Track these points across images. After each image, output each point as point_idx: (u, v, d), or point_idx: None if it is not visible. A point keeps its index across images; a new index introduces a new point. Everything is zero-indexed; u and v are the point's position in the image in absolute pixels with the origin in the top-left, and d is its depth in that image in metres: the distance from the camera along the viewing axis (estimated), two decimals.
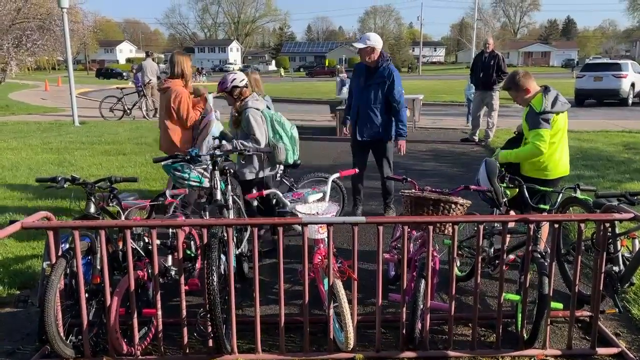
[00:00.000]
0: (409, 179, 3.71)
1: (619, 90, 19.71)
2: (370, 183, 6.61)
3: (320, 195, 3.59)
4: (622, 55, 74.73)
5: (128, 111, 15.55)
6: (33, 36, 18.10)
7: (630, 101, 20.24)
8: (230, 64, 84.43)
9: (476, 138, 11.25)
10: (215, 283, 3.00)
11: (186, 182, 3.63)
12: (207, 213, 3.44)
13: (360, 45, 5.40)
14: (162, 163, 3.71)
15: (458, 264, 4.28)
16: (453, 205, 3.20)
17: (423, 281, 3.15)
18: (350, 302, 3.18)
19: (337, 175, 3.60)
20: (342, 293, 3.14)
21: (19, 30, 17.93)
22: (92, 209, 3.42)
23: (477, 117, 11.22)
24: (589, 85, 20.38)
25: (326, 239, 3.38)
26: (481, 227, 3.09)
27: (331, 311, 3.23)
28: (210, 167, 3.60)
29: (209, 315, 3.07)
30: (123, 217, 3.40)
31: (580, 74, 21.79)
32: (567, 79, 35.67)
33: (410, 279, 3.44)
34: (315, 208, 3.44)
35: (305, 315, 3.22)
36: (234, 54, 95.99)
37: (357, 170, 3.70)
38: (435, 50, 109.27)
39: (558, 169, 4.16)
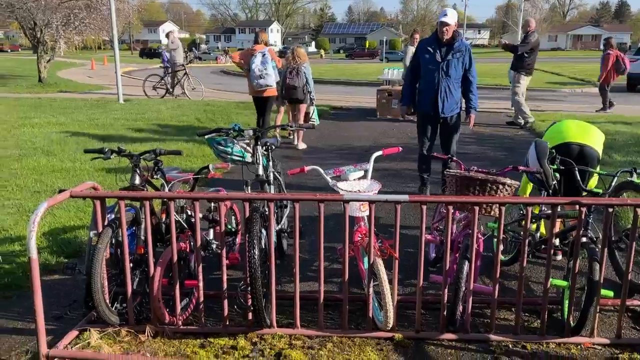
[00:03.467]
0: (454, 158, 3.61)
1: None
2: (408, 164, 6.52)
3: (361, 173, 3.54)
4: None
5: (171, 89, 15.77)
6: (80, 15, 18.50)
7: None
8: (271, 45, 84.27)
9: (521, 121, 10.91)
10: (256, 257, 3.01)
11: (229, 156, 3.64)
12: (248, 188, 3.45)
13: (449, 21, 5.49)
14: (206, 136, 3.74)
15: (501, 247, 4.16)
16: (500, 186, 3.10)
17: (467, 263, 3.08)
18: (390, 281, 3.14)
19: (379, 153, 3.54)
20: (383, 272, 3.10)
21: (67, 9, 18.34)
22: (137, 181, 3.47)
23: (515, 100, 10.92)
24: None
25: (366, 217, 3.34)
26: (529, 209, 2.98)
27: (371, 290, 3.20)
28: (253, 142, 3.61)
29: (249, 289, 3.09)
30: (167, 190, 3.44)
31: (633, 58, 20.78)
32: None
33: (453, 260, 3.37)
34: (357, 185, 3.39)
35: (345, 293, 3.20)
36: (274, 35, 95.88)
37: (400, 149, 3.61)
38: (479, 33, 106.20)
39: None
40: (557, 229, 4.15)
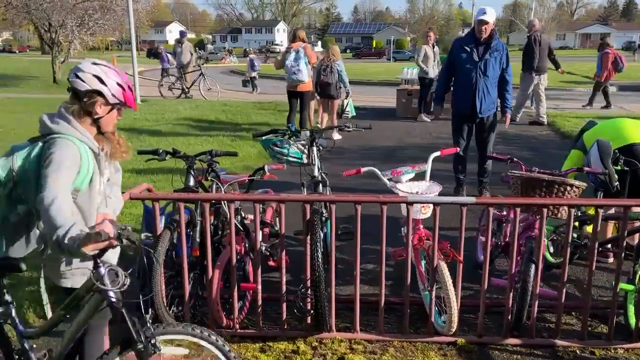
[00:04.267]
0: (514, 159, 3.55)
1: None
2: (437, 165, 6.45)
3: (411, 175, 3.49)
4: None
5: (187, 90, 15.74)
6: (95, 15, 18.51)
7: None
8: (277, 44, 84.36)
9: (544, 119, 10.86)
10: (320, 260, 2.97)
11: (285, 157, 3.60)
12: (304, 189, 3.40)
13: (488, 19, 5.39)
14: (263, 138, 3.69)
15: (551, 250, 4.10)
16: (568, 188, 3.04)
17: (533, 266, 3.02)
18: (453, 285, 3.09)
19: (437, 153, 3.48)
20: (447, 276, 3.05)
21: (82, 9, 18.35)
22: (192, 182, 3.43)
23: (533, 99, 11.13)
24: None
25: (420, 219, 3.29)
26: (600, 211, 2.92)
27: (432, 294, 3.15)
28: (308, 143, 3.56)
29: (310, 292, 3.05)
30: (223, 191, 3.39)
31: None
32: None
33: (514, 263, 3.31)
34: (416, 187, 3.34)
35: (406, 297, 3.15)
36: (281, 34, 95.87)
37: (458, 149, 3.56)
38: None
39: None
40: (610, 232, 4.09)
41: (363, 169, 3.38)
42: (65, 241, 1.82)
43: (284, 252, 3.15)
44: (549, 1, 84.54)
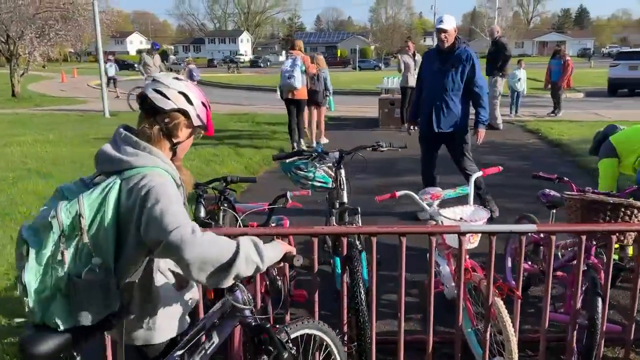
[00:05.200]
0: (564, 179, 3.24)
1: None
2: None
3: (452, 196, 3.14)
4: (638, 44, 73.28)
5: None
6: (56, 26, 17.66)
7: None
8: (241, 54, 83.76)
9: (500, 124, 11.35)
10: (364, 300, 2.57)
11: (310, 182, 3.17)
12: (333, 218, 2.99)
13: (446, 27, 4.89)
14: (287, 161, 3.26)
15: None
16: (635, 211, 2.73)
17: (600, 300, 2.69)
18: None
19: (479, 173, 3.14)
20: (505, 314, 2.68)
21: (42, 20, 17.48)
22: (202, 213, 2.99)
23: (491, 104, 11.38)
24: (623, 74, 19.71)
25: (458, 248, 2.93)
26: None
27: (487, 335, 2.78)
28: (335, 165, 3.15)
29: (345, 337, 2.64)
30: (240, 223, 2.94)
31: (614, 63, 21.17)
32: (585, 69, 34.96)
33: (569, 295, 2.98)
34: (460, 212, 2.98)
35: (458, 339, 2.78)
36: (245, 45, 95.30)
37: (500, 168, 3.23)
38: None
39: None
40: None
41: (398, 193, 3.00)
42: (265, 262, 1.76)
43: (316, 293, 2.73)
44: (507, 10, 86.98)
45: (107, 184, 1.76)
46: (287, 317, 2.79)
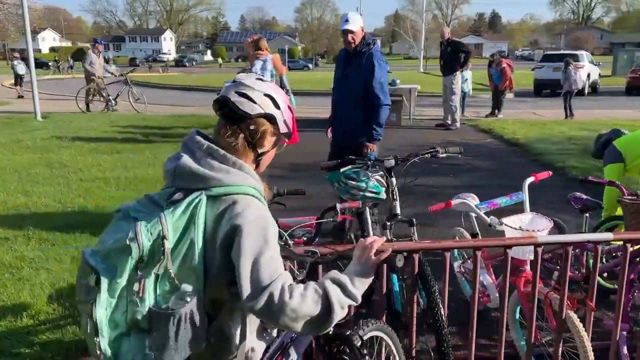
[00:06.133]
0: (616, 182, 3.18)
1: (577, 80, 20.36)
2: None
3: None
4: (547, 47, 78.43)
5: (113, 102, 14.14)
6: None
7: (586, 91, 21.04)
8: (164, 53, 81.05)
9: (450, 122, 11.64)
10: (444, 321, 2.36)
11: (361, 193, 2.88)
12: (387, 231, 2.73)
13: (352, 27, 4.17)
14: (341, 170, 2.95)
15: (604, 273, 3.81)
16: None
17: None
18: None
19: (531, 179, 3.01)
20: (580, 328, 2.56)
21: None
22: None
23: (446, 102, 11.80)
24: (548, 75, 20.95)
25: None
26: None
27: (558, 348, 2.65)
28: (387, 173, 2.90)
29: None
30: (287, 240, 2.61)
31: (539, 65, 22.46)
32: None
33: (626, 301, 2.92)
34: (518, 221, 2.83)
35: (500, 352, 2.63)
36: (168, 43, 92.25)
37: (550, 173, 3.12)
38: None
39: None
40: None
41: (454, 202, 2.81)
42: (358, 297, 1.54)
43: (382, 293, 2.48)
44: (427, 14, 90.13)
45: (192, 200, 1.48)
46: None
